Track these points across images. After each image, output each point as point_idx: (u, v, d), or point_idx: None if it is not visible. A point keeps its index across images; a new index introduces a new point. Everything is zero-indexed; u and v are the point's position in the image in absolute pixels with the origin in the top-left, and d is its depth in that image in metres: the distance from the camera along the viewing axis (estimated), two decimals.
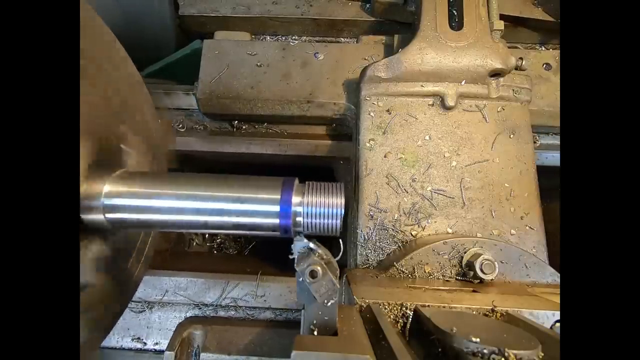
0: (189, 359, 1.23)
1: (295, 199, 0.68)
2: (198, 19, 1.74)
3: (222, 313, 1.35)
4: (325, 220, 0.68)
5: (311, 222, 0.68)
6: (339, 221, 0.68)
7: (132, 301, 1.35)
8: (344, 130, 1.65)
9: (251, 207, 0.69)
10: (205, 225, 0.71)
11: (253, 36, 1.75)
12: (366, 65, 1.33)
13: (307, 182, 0.70)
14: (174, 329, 1.33)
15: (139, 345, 1.34)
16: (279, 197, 0.68)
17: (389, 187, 1.19)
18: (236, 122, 1.67)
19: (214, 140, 1.63)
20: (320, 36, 1.79)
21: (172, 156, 1.14)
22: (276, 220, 0.69)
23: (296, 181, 0.71)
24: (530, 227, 1.15)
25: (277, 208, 0.68)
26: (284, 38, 1.80)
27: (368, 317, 0.74)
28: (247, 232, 0.72)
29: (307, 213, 0.68)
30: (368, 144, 1.24)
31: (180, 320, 1.34)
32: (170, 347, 1.16)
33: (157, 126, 1.04)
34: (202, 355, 1.22)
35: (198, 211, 0.70)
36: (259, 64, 1.58)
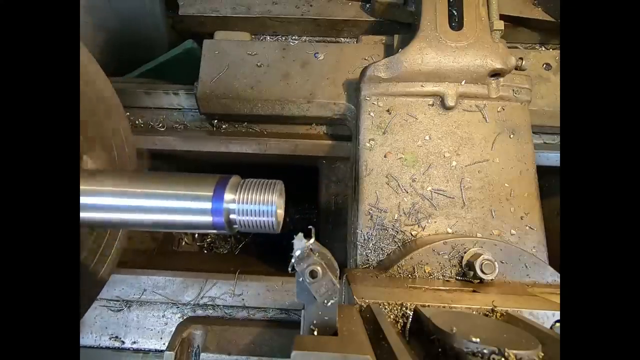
0: (188, 359, 1.23)
1: (229, 196, 0.67)
2: (198, 19, 1.74)
3: (199, 312, 1.36)
4: (259, 218, 0.67)
5: (245, 220, 0.67)
6: (272, 219, 0.67)
7: (110, 300, 1.35)
8: (332, 130, 1.65)
9: (184, 205, 0.68)
10: (140, 223, 0.70)
11: (253, 36, 1.75)
12: (366, 65, 1.32)
13: (244, 180, 0.70)
14: (152, 327, 1.34)
15: (117, 344, 1.34)
16: (211, 194, 0.67)
17: (389, 187, 1.19)
18: (216, 121, 1.66)
19: (192, 140, 1.62)
20: (320, 36, 1.79)
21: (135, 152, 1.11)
22: (209, 218, 0.68)
23: (234, 178, 0.70)
24: (530, 227, 1.15)
25: (209, 205, 0.67)
26: (284, 38, 1.80)
27: (368, 317, 0.74)
28: (184, 230, 0.71)
29: (240, 210, 0.67)
30: (368, 144, 1.24)
31: (159, 319, 1.35)
32: (170, 347, 1.16)
33: (117, 117, 1.01)
34: (202, 355, 1.22)
35: (131, 209, 0.69)
36: (258, 64, 1.58)
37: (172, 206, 0.68)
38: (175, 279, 1.36)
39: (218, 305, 1.35)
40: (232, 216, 0.67)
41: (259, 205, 0.66)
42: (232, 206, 0.67)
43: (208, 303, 1.35)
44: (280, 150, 1.59)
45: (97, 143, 0.90)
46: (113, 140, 0.98)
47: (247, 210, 0.67)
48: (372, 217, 1.16)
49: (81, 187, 0.69)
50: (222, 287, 1.35)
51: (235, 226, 0.69)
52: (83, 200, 0.69)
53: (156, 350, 1.33)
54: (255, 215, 0.67)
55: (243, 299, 1.34)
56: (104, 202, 0.69)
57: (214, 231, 0.69)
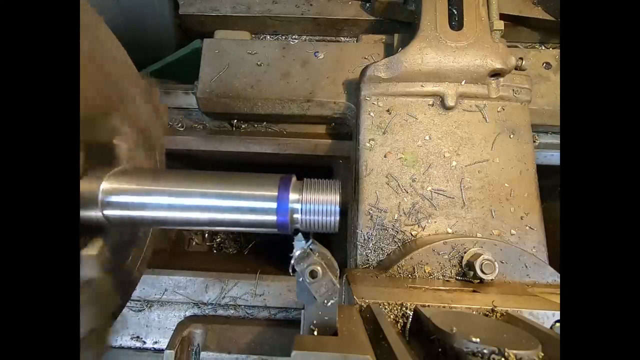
0: (189, 358, 1.23)
1: (293, 196, 0.68)
2: (198, 18, 1.74)
3: (221, 312, 1.36)
4: (322, 217, 0.68)
5: (308, 219, 0.68)
6: (336, 218, 0.68)
7: (132, 300, 1.35)
8: (344, 129, 1.65)
9: (249, 204, 0.69)
10: (204, 222, 0.71)
11: (253, 35, 1.75)
12: (366, 64, 1.32)
13: (304, 179, 0.70)
14: (173, 327, 1.33)
15: (138, 344, 1.34)
16: (276, 194, 0.68)
17: (389, 187, 1.19)
18: (235, 121, 1.67)
19: (213, 140, 1.63)
20: (320, 35, 1.79)
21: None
22: (273, 217, 0.68)
23: (294, 178, 0.71)
24: (530, 227, 1.15)
25: (274, 205, 0.68)
26: (284, 37, 1.80)
27: (368, 317, 0.74)
28: (246, 229, 0.72)
29: (305, 210, 0.68)
30: (368, 144, 1.24)
31: (180, 319, 1.34)
32: (170, 345, 1.16)
33: (152, 119, 1.03)
34: (202, 354, 1.22)
35: (197, 208, 0.70)
36: (259, 63, 1.58)
37: (239, 206, 0.69)
38: (196, 279, 1.36)
39: (239, 306, 1.35)
40: (295, 216, 0.68)
41: (323, 205, 0.67)
42: (296, 206, 0.68)
43: (230, 303, 1.35)
44: (300, 150, 1.59)
45: (139, 141, 0.92)
46: (155, 141, 1.00)
47: (311, 209, 0.68)
48: (372, 217, 1.16)
49: (143, 187, 0.71)
50: (243, 287, 1.35)
51: (296, 225, 0.69)
52: (148, 200, 0.71)
53: None
54: (319, 215, 0.68)
55: (264, 299, 1.34)
56: (174, 202, 0.70)
57: (274, 230, 0.70)
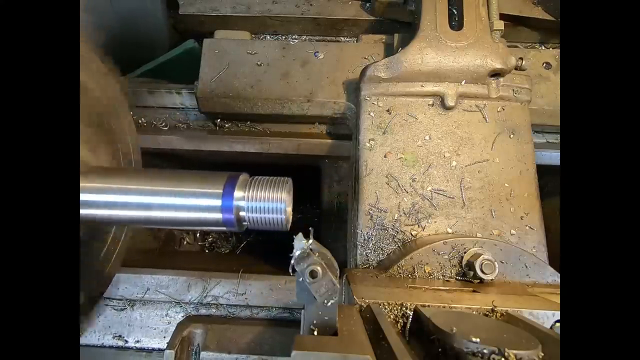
0: (189, 358, 1.23)
1: (238, 194, 0.67)
2: (198, 18, 1.74)
3: (203, 311, 1.36)
4: (269, 215, 0.67)
5: (255, 217, 0.67)
6: (282, 216, 0.67)
7: (113, 299, 1.35)
8: (334, 129, 1.65)
9: (193, 202, 0.68)
10: (149, 220, 0.70)
11: (253, 35, 1.75)
12: (366, 64, 1.32)
13: (253, 177, 0.70)
14: (155, 326, 1.34)
15: (120, 343, 1.34)
16: (221, 191, 0.68)
17: (389, 187, 1.19)
18: (218, 120, 1.67)
19: (196, 139, 1.63)
20: (320, 35, 1.79)
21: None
22: (219, 215, 0.68)
23: (243, 176, 0.70)
24: (530, 227, 1.15)
25: (219, 202, 0.68)
26: (284, 37, 1.80)
27: (368, 317, 0.74)
28: (193, 227, 0.72)
29: (250, 207, 0.67)
30: (368, 144, 1.24)
31: (162, 318, 1.35)
32: (170, 345, 1.16)
33: (123, 118, 1.01)
34: (202, 354, 1.22)
35: (140, 206, 0.69)
36: (259, 63, 1.58)
37: (182, 203, 0.68)
38: (179, 278, 1.36)
39: (221, 304, 1.35)
40: (241, 213, 0.68)
41: (269, 203, 0.67)
42: (242, 203, 0.67)
43: (211, 302, 1.35)
44: (283, 149, 1.59)
45: (100, 140, 0.90)
46: (118, 138, 0.98)
47: (256, 207, 0.67)
48: (372, 217, 1.16)
49: (86, 185, 0.70)
50: (226, 286, 1.35)
51: (244, 223, 0.69)
52: (88, 197, 0.69)
53: (159, 350, 1.33)
54: (265, 213, 0.67)
55: (246, 298, 1.34)
56: (110, 199, 0.69)
57: (223, 228, 0.69)
